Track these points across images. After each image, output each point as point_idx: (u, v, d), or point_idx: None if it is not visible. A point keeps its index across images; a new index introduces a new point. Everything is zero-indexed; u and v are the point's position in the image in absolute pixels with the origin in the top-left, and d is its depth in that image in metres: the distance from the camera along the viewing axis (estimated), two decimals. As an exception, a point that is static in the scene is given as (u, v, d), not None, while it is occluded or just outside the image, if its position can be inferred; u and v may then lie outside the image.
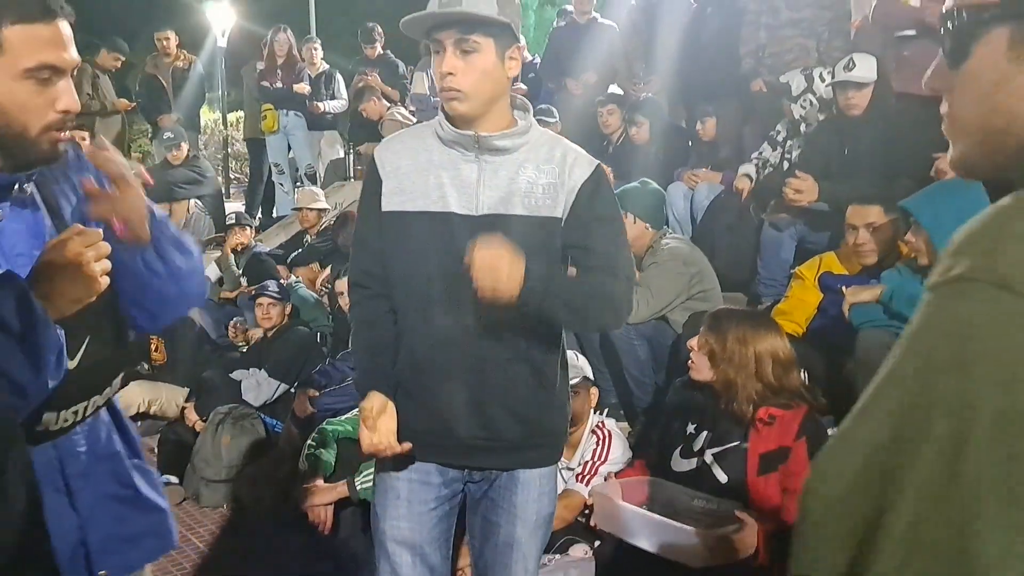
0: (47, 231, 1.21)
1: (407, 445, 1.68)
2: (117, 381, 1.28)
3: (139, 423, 4.62)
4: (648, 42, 5.55)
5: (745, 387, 2.34)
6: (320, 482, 3.00)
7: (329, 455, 3.07)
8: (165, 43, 7.10)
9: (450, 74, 1.58)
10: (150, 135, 8.09)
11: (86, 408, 1.22)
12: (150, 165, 7.23)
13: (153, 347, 4.82)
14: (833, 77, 3.75)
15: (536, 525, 1.78)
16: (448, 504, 1.79)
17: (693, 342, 2.48)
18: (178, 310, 1.43)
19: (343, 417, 3.22)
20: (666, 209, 3.68)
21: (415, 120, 6.61)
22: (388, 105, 6.75)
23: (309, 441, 3.17)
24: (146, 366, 4.89)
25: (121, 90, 7.18)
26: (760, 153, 4.24)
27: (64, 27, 1.15)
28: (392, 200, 1.67)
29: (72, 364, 1.15)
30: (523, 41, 1.78)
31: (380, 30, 7.41)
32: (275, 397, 4.07)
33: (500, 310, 1.55)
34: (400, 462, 1.74)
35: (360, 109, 6.70)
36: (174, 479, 3.82)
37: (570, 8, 6.92)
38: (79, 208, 1.27)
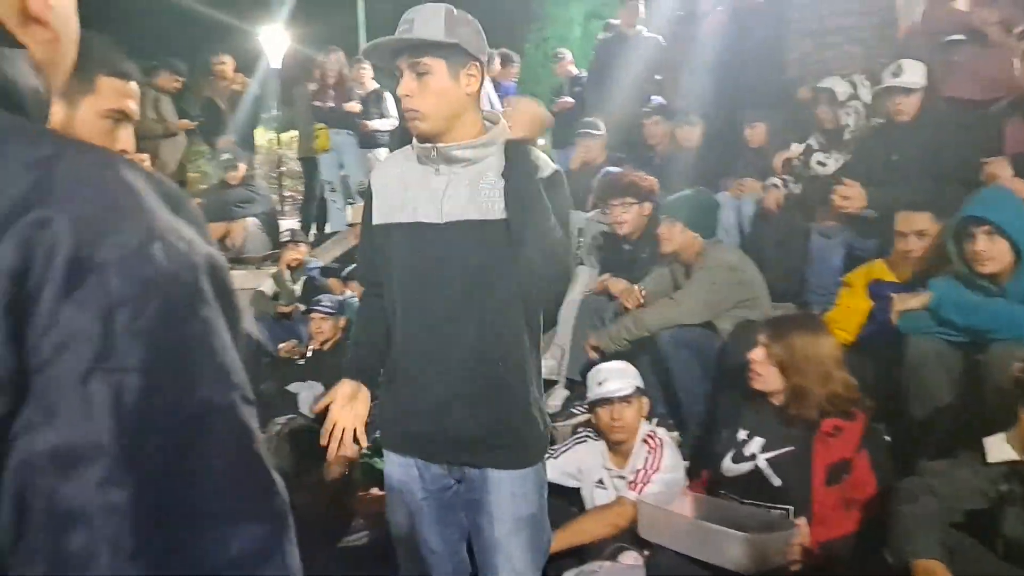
0: None
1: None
2: None
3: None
4: (691, 52, 5.58)
5: (815, 394, 2.36)
6: (375, 490, 3.09)
7: (382, 463, 3.14)
8: (222, 67, 7.35)
9: (407, 95, 1.75)
10: (208, 156, 8.36)
11: None
12: (208, 185, 7.49)
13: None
14: (880, 83, 3.73)
15: (516, 526, 1.83)
16: (438, 498, 1.90)
17: (756, 355, 2.50)
18: None
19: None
20: (717, 218, 3.70)
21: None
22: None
23: (363, 450, 3.26)
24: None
25: (181, 111, 7.45)
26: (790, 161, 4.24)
27: (135, 87, 1.41)
28: (378, 214, 1.87)
29: None
30: (494, 59, 1.94)
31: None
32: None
33: (464, 312, 1.75)
34: (391, 457, 1.93)
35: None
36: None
37: (616, 21, 6.97)
38: None
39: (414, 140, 1.84)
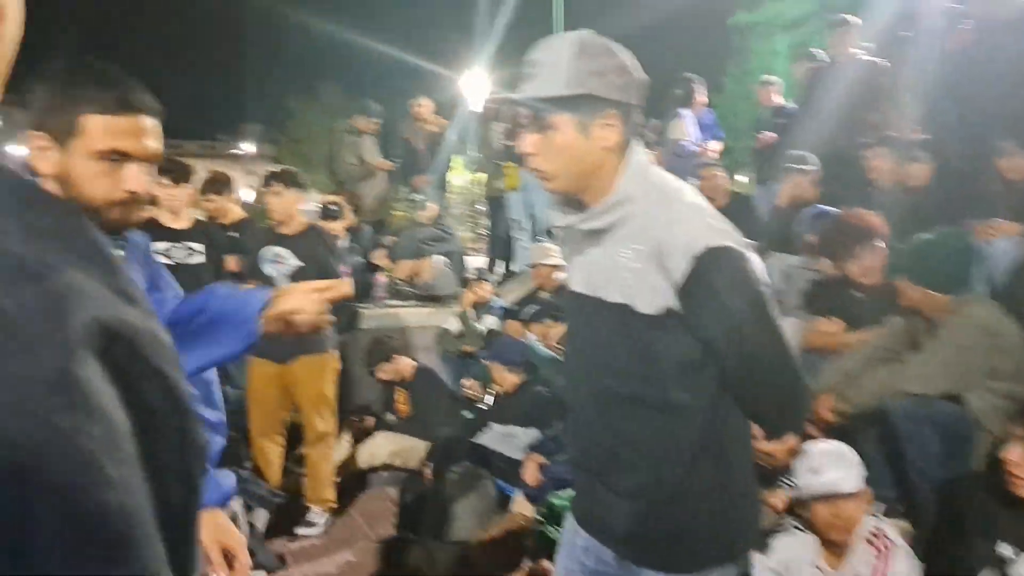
0: None
1: None
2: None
3: (383, 473, 4.77)
4: (921, 76, 4.91)
5: None
6: (546, 563, 2.80)
7: (556, 533, 2.87)
8: (420, 109, 7.56)
9: (530, 155, 1.51)
10: (404, 196, 8.64)
11: None
12: (403, 224, 7.69)
13: (399, 399, 4.98)
14: None
15: None
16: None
17: (1013, 454, 1.97)
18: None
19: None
20: (970, 267, 3.09)
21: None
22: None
23: (537, 516, 2.99)
24: (392, 417, 5.08)
25: (384, 153, 7.73)
26: None
27: (144, 120, 1.33)
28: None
29: None
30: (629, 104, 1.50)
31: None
32: (529, 444, 3.92)
33: (611, 397, 1.54)
34: (568, 526, 1.75)
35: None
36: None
37: (820, 52, 6.41)
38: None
39: None
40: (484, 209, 9.63)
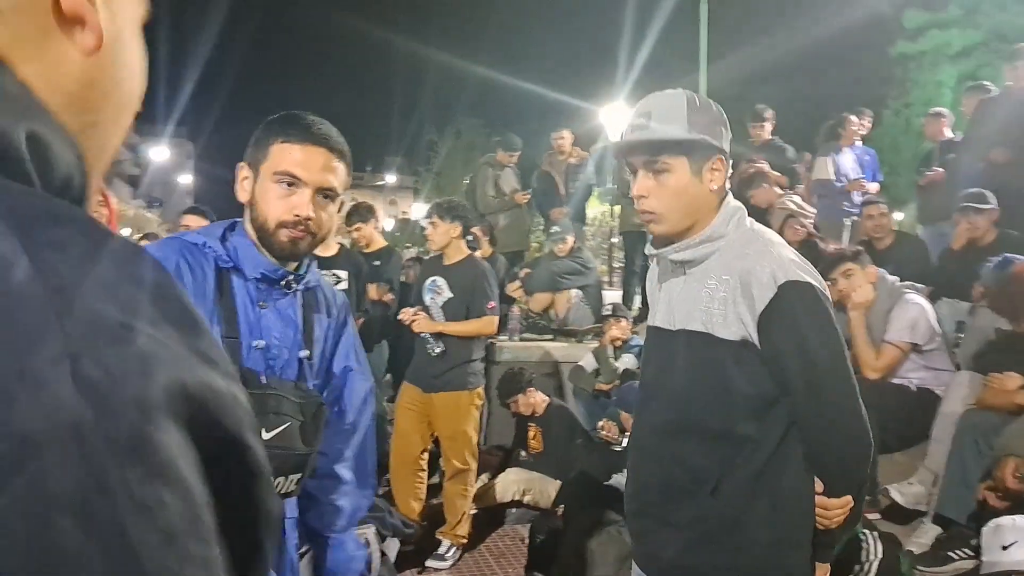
0: (297, 326, 1.51)
1: None
2: (291, 481, 1.41)
3: (513, 510, 4.69)
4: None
5: None
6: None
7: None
8: (561, 142, 7.55)
9: (643, 196, 1.61)
10: (542, 227, 8.64)
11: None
12: (539, 256, 7.67)
13: (531, 435, 4.89)
14: None
15: None
16: None
17: None
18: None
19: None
20: None
21: (809, 209, 6.05)
22: (780, 193, 6.29)
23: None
24: (524, 453, 4.99)
25: (525, 185, 7.77)
26: None
27: (320, 153, 1.41)
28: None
29: (266, 436, 1.34)
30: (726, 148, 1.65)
31: (771, 112, 7.05)
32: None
33: (684, 428, 1.60)
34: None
35: (748, 196, 6.34)
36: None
37: (990, 85, 5.92)
38: (330, 329, 1.60)
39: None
40: (618, 242, 9.50)
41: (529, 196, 7.52)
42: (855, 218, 6.41)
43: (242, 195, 1.46)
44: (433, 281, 4.19)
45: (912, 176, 7.40)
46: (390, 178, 50.25)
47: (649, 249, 1.71)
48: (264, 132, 1.43)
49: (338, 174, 1.45)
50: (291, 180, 1.40)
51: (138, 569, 0.32)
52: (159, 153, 40.02)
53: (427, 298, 4.17)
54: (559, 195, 7.52)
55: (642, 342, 5.62)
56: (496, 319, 4.18)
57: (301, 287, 1.52)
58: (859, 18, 16.32)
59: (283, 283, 1.47)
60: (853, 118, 6.66)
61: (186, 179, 45.77)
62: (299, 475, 1.42)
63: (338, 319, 1.62)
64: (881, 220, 5.06)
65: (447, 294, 4.14)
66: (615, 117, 13.01)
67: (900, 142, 14.29)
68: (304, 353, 1.49)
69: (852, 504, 1.58)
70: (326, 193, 1.43)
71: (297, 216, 1.40)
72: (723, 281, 1.55)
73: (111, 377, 0.32)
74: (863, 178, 6.54)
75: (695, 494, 1.58)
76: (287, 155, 1.40)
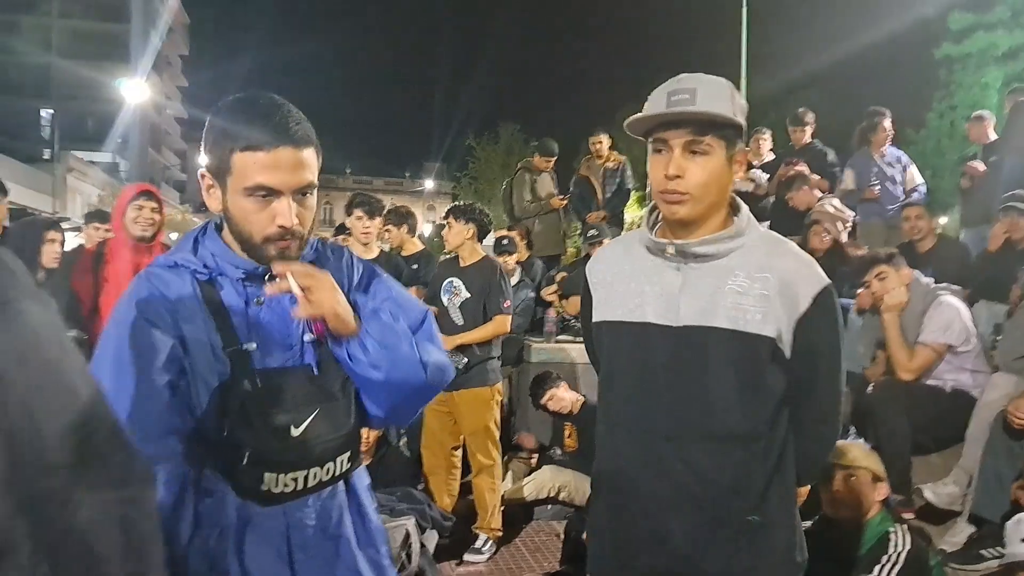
0: (296, 319, 1.36)
1: None
2: (341, 462, 1.36)
3: (548, 507, 4.76)
4: None
5: None
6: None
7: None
8: (598, 146, 7.59)
9: (677, 176, 1.50)
10: (579, 231, 8.68)
11: (306, 478, 1.31)
12: (575, 260, 7.73)
13: (567, 433, 4.96)
14: None
15: None
16: None
17: None
18: (401, 401, 1.44)
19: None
20: None
21: (848, 213, 6.02)
22: (819, 196, 6.28)
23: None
24: (559, 451, 5.06)
25: (563, 189, 7.83)
26: None
27: (287, 153, 1.28)
28: (598, 311, 1.68)
29: (296, 432, 1.29)
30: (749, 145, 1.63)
31: (812, 116, 7.02)
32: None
33: (692, 430, 1.53)
34: None
35: (787, 198, 6.34)
36: None
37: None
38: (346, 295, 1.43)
39: (644, 230, 1.63)
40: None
41: (566, 201, 7.59)
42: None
43: (212, 205, 1.36)
44: (450, 282, 4.30)
45: (956, 180, 7.30)
46: (428, 184, 50.66)
47: (658, 241, 1.59)
48: (220, 138, 1.31)
49: (310, 166, 1.32)
50: (265, 192, 1.29)
51: None
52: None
53: (445, 299, 4.28)
54: (596, 199, 7.56)
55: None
56: (509, 317, 4.29)
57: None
58: (903, 21, 16.10)
59: (267, 277, 1.36)
60: (886, 123, 6.58)
61: (231, 185, 46.46)
62: (348, 453, 1.37)
63: (352, 282, 1.48)
64: (918, 223, 5.04)
65: (464, 294, 4.24)
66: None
67: (944, 145, 14.05)
68: (309, 337, 1.37)
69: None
70: (303, 190, 1.33)
71: (282, 227, 1.30)
72: (758, 279, 1.50)
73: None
74: (874, 186, 6.43)
75: (715, 499, 1.53)
76: (253, 166, 1.27)
